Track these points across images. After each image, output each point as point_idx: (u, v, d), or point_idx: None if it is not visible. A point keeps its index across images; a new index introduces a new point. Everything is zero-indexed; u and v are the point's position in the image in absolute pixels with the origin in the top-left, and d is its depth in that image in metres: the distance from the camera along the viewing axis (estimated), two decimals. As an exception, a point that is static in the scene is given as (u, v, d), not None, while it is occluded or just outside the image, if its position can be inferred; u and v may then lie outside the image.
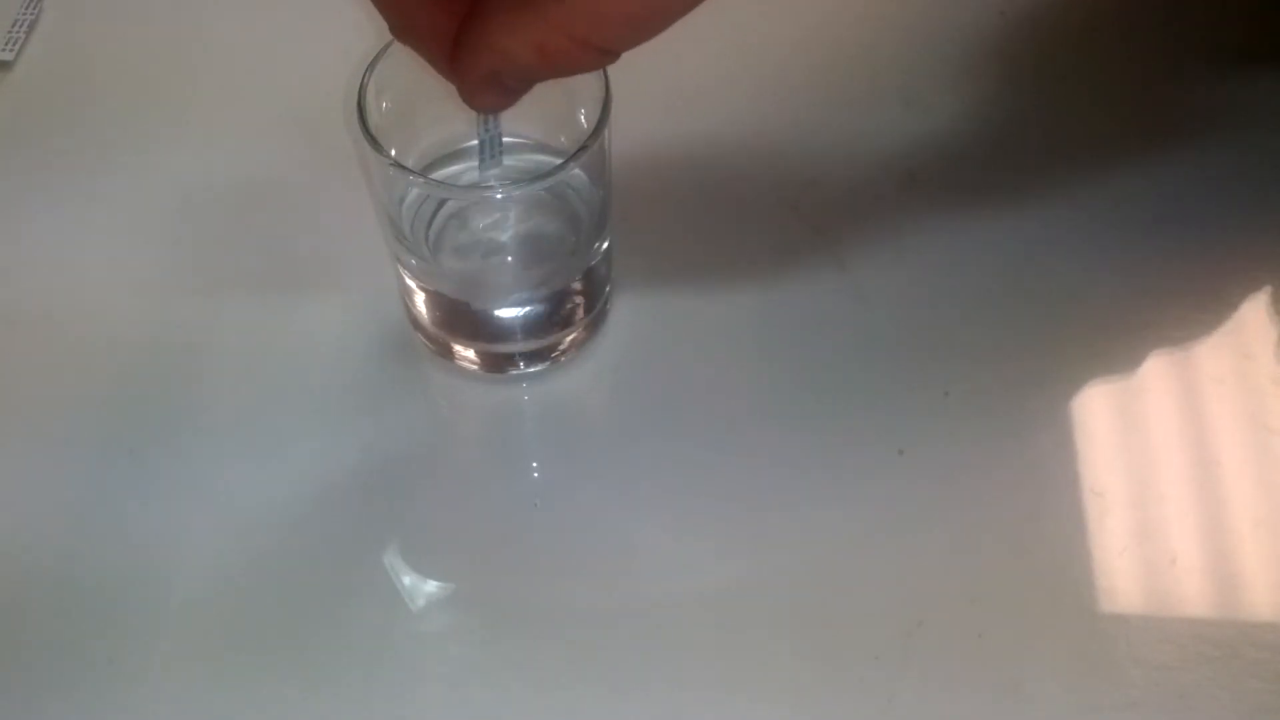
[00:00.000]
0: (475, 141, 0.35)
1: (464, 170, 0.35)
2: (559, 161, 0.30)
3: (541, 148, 0.34)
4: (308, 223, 0.39)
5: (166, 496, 0.33)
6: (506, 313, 0.34)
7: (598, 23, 0.24)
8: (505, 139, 0.31)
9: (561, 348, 0.35)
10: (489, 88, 0.26)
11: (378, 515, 0.33)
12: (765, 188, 0.39)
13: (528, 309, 0.34)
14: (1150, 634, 0.31)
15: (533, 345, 0.35)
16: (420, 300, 0.34)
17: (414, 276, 0.34)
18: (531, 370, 0.35)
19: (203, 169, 0.40)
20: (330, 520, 0.33)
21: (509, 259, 0.35)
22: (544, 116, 0.33)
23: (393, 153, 0.31)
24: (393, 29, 0.26)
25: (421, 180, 0.32)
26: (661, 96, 0.40)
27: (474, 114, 0.30)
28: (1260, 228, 0.39)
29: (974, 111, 0.42)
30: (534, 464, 0.34)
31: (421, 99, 0.32)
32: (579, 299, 0.35)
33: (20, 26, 0.44)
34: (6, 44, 0.43)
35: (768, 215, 0.39)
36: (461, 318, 0.34)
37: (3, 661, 0.31)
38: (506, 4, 0.24)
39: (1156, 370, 0.35)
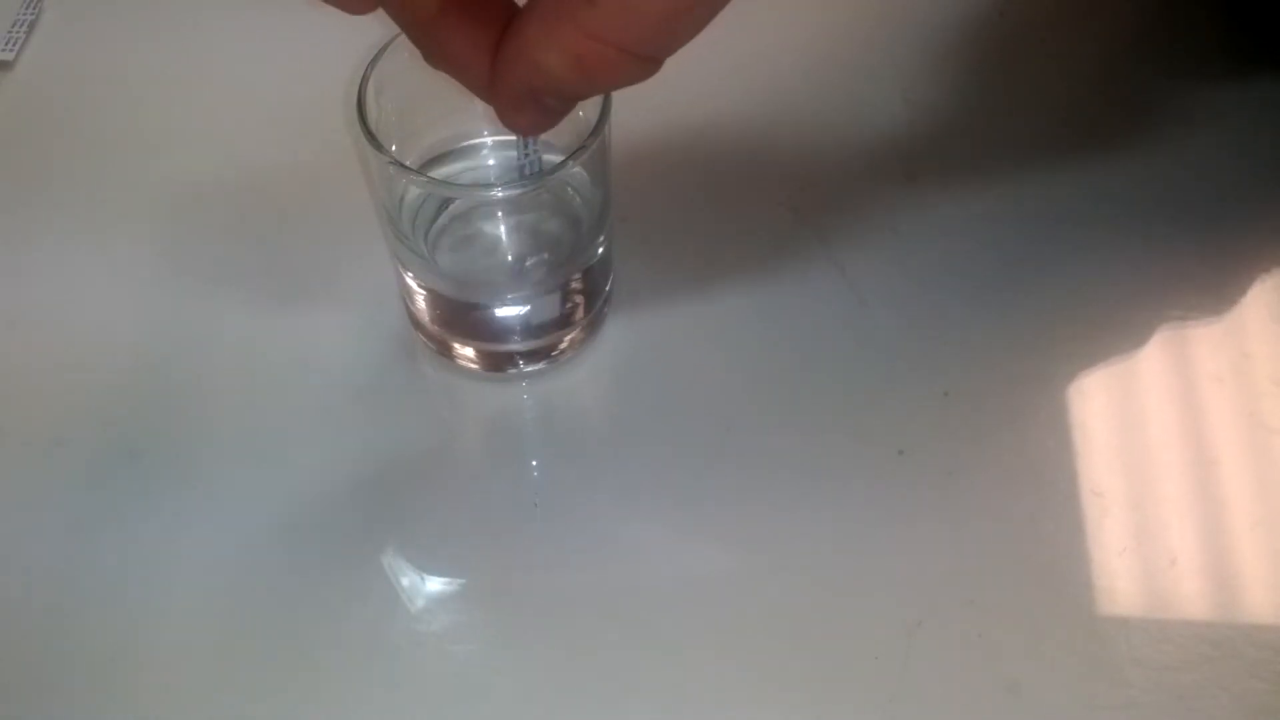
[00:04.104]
0: (475, 141, 0.35)
1: (464, 169, 0.35)
2: (559, 160, 0.30)
3: (542, 147, 0.34)
4: (308, 222, 0.39)
5: (166, 497, 0.33)
6: (506, 312, 0.34)
7: (634, 23, 0.23)
8: (505, 138, 0.31)
9: (561, 347, 0.35)
10: (528, 108, 0.25)
11: (377, 514, 0.33)
12: (765, 188, 0.39)
13: (527, 308, 0.34)
14: (1150, 634, 0.31)
15: (532, 345, 0.35)
16: (420, 300, 0.34)
17: (414, 276, 0.34)
18: (531, 369, 0.35)
19: (202, 169, 0.40)
20: (329, 520, 0.33)
21: (509, 258, 0.35)
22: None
23: (392, 151, 0.31)
24: (427, 57, 0.25)
25: (421, 179, 0.32)
26: (662, 96, 0.40)
27: (473, 115, 0.30)
28: (1260, 227, 0.39)
29: (974, 111, 0.42)
30: (533, 463, 0.34)
31: (422, 97, 0.32)
32: (579, 299, 0.35)
33: (20, 26, 0.44)
34: (6, 44, 0.43)
35: (768, 216, 0.39)
36: (461, 317, 0.34)
37: (2, 661, 0.31)
38: (541, 17, 0.24)
39: (1156, 370, 0.35)
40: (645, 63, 0.24)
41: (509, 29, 0.24)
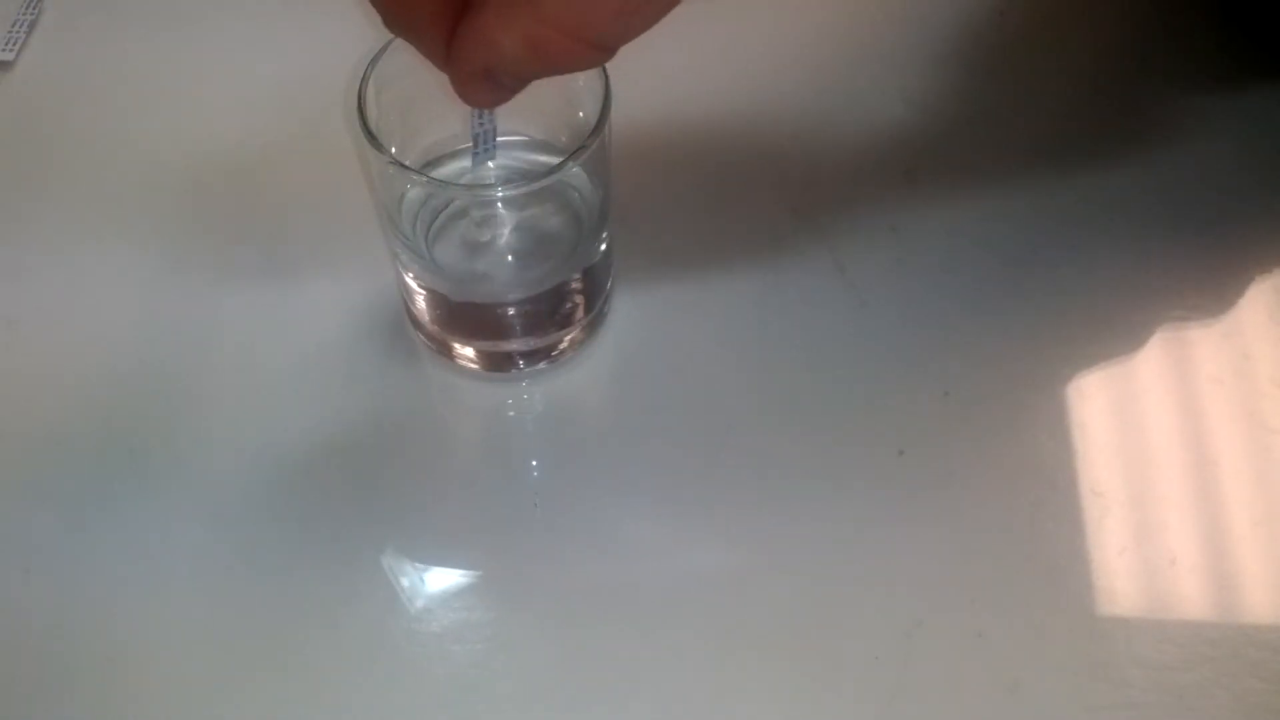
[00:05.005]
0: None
1: (464, 169, 0.35)
2: (559, 160, 0.30)
3: (542, 147, 0.34)
4: (307, 222, 0.39)
5: (166, 497, 0.33)
6: (506, 312, 0.34)
7: (588, 14, 0.24)
8: (506, 138, 0.31)
9: (561, 347, 0.35)
10: (482, 83, 0.26)
11: (377, 514, 0.33)
12: (765, 189, 0.39)
13: (527, 308, 0.34)
14: (1150, 634, 0.31)
15: (532, 344, 0.35)
16: (420, 300, 0.34)
17: (414, 275, 0.34)
18: (531, 369, 0.35)
19: (202, 169, 0.40)
20: (329, 520, 0.33)
21: (509, 258, 0.35)
22: (545, 115, 0.33)
23: (392, 151, 0.31)
24: (386, 21, 0.26)
25: (421, 179, 0.32)
26: (662, 97, 0.40)
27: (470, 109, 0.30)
28: (1259, 228, 0.39)
29: (973, 112, 0.42)
30: (534, 463, 0.34)
31: (421, 97, 0.32)
32: (579, 298, 0.35)
33: (20, 26, 0.44)
34: (6, 44, 0.43)
35: (768, 216, 0.39)
36: (461, 317, 0.34)
37: (2, 660, 0.31)
38: (502, 0, 0.24)
39: (1156, 370, 0.35)
40: (598, 51, 0.24)
41: (471, 5, 0.25)
